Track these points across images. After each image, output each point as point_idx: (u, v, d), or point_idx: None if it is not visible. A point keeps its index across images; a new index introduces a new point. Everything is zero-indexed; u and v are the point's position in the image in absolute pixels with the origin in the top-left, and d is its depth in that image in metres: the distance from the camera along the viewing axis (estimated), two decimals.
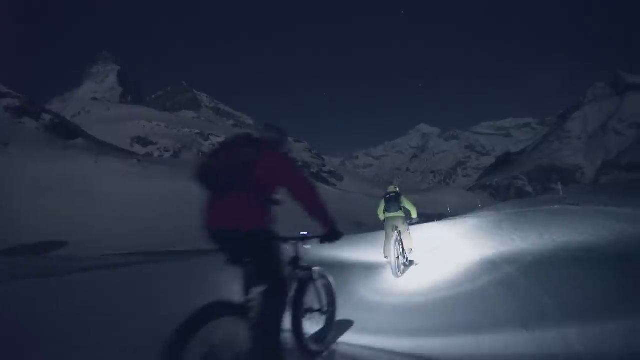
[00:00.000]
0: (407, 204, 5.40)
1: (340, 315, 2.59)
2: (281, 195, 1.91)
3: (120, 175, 35.31)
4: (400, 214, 5.28)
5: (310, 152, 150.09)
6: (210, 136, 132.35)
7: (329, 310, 2.44)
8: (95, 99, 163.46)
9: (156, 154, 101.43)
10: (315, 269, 2.32)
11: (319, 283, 2.39)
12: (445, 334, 2.41)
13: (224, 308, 1.67)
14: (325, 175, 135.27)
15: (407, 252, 5.21)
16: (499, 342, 2.09)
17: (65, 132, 43.61)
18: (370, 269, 5.30)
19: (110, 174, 35.05)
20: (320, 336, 2.33)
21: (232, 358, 1.62)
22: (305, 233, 2.24)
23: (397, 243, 4.97)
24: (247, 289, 1.81)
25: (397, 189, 5.56)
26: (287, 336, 1.92)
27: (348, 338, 2.56)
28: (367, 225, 39.25)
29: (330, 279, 2.46)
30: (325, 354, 2.23)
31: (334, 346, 2.38)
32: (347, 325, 2.78)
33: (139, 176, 36.03)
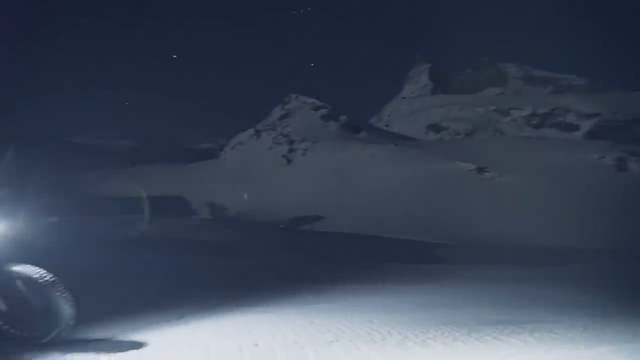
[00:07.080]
0: None
1: None
2: None
3: (378, 160, 38.04)
4: None
5: None
6: (511, 111, 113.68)
7: None
8: (404, 97, 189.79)
9: (447, 138, 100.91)
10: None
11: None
12: None
13: None
14: None
15: None
16: None
17: (353, 128, 53.55)
18: None
19: (370, 160, 38.55)
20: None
21: None
22: None
23: None
24: None
25: None
26: None
27: None
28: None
29: None
30: None
31: None
32: None
33: (391, 161, 37.03)
